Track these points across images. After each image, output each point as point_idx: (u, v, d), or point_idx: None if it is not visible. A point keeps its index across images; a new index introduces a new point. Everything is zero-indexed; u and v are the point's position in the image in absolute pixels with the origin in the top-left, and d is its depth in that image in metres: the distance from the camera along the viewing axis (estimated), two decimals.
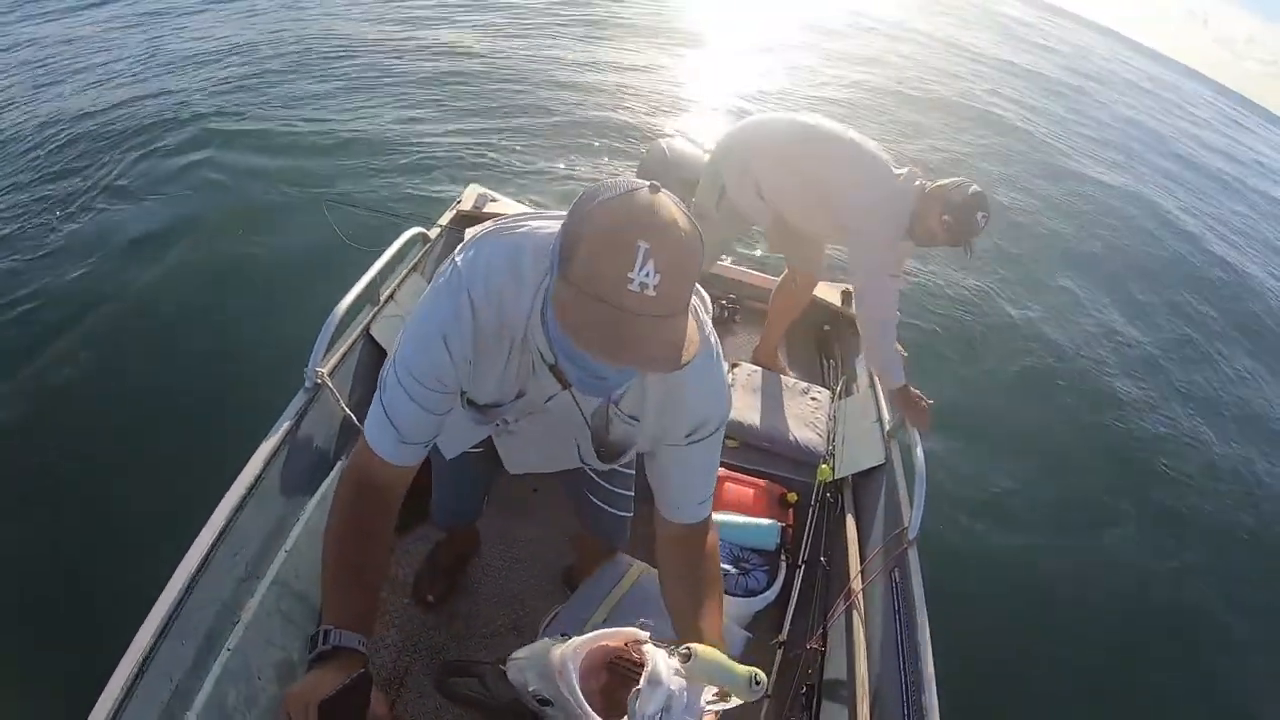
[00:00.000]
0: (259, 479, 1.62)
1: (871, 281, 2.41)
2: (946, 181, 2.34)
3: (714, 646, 0.99)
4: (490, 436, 1.38)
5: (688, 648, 0.91)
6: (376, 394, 1.05)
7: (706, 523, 1.18)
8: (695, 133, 3.75)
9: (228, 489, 1.56)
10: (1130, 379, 5.36)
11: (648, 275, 0.73)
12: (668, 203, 0.77)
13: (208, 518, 1.50)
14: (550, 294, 0.84)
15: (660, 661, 0.89)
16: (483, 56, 8.21)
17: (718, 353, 1.08)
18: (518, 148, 6.40)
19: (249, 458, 1.65)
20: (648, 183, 0.78)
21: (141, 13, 8.20)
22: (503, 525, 2.23)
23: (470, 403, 1.12)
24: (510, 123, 6.87)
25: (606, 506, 1.57)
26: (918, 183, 2.37)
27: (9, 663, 2.16)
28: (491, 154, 6.18)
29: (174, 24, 7.99)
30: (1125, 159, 12.26)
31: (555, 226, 0.92)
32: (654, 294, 0.74)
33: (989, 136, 10.73)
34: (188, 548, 1.44)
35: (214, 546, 1.46)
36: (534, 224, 1.01)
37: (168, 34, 7.60)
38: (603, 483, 1.53)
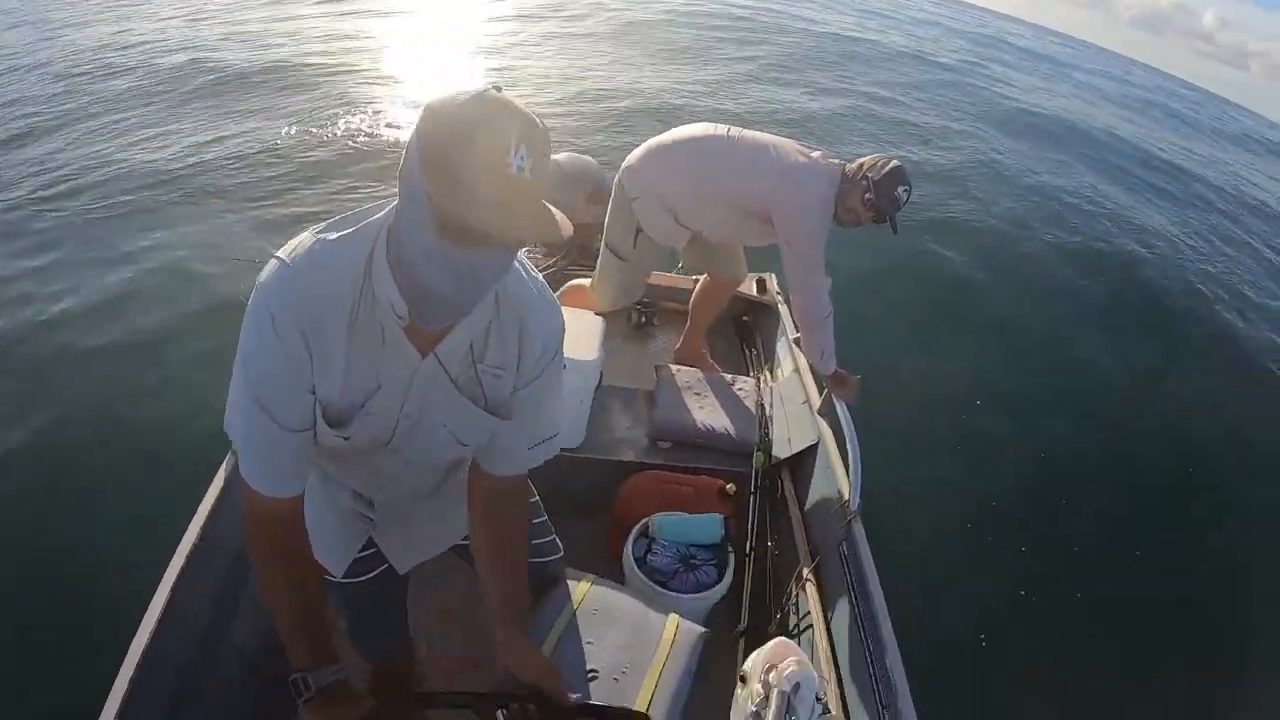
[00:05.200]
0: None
1: (810, 278, 2.34)
2: (864, 159, 2.32)
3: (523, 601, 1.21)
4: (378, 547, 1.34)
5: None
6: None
7: (525, 475, 1.22)
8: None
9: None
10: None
11: (522, 158, 0.77)
12: (515, 100, 0.81)
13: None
14: (408, 221, 0.85)
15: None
16: None
17: (534, 275, 1.09)
18: None
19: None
20: (487, 84, 0.80)
21: None
22: (430, 596, 2.00)
23: (325, 417, 1.00)
24: None
25: (536, 559, 1.43)
26: (834, 162, 2.36)
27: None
28: None
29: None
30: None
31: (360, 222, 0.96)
32: (530, 176, 0.78)
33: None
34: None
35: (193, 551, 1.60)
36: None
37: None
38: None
